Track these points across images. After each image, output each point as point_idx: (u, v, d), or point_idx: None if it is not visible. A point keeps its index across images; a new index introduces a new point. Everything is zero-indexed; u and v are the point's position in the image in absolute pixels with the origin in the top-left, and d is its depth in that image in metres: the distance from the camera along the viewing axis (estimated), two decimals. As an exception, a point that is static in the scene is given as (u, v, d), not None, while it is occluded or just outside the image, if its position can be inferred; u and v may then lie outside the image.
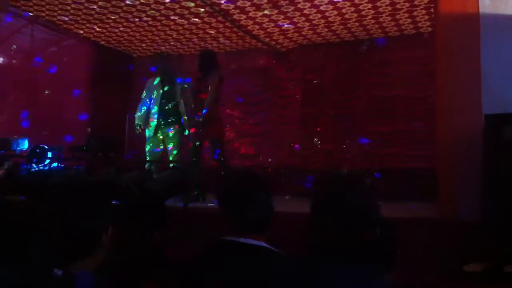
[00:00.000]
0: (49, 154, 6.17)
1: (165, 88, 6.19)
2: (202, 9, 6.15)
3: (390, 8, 5.97)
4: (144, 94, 6.37)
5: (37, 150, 6.11)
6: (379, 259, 2.09)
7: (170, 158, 6.13)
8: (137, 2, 5.94)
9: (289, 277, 1.76)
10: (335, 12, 6.13)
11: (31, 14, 6.45)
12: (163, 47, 7.99)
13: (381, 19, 6.38)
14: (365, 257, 1.75)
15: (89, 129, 7.74)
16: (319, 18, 6.36)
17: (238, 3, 5.89)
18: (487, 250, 3.66)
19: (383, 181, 6.50)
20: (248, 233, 2.03)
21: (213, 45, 7.67)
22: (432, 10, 5.77)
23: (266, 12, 6.12)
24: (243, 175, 2.21)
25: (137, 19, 6.57)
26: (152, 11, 6.26)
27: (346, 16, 6.24)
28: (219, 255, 2.02)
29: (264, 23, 6.58)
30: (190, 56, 8.23)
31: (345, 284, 1.70)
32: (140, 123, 6.25)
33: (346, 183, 1.91)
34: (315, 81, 7.59)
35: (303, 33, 6.99)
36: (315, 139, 7.44)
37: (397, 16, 6.26)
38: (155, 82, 6.30)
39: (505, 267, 3.47)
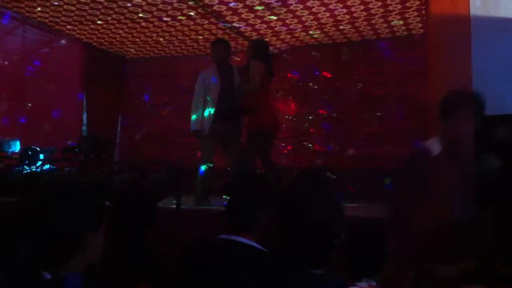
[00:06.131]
0: (41, 156, 6.16)
1: (223, 82, 5.52)
2: (193, 12, 6.16)
3: (382, 10, 6.00)
4: (198, 92, 5.59)
5: (29, 152, 6.09)
6: (350, 264, 2.10)
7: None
8: (129, 4, 5.93)
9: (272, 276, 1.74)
10: (328, 14, 6.15)
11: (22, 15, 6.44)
12: (155, 49, 7.99)
13: (373, 21, 6.41)
14: (323, 261, 1.69)
15: (82, 130, 7.74)
16: (311, 20, 6.38)
17: (231, 5, 5.90)
18: (479, 249, 3.67)
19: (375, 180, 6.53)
20: (238, 231, 2.08)
21: (206, 46, 7.67)
22: (423, 12, 5.80)
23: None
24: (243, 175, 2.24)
25: (129, 21, 6.56)
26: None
27: (339, 18, 6.27)
28: (211, 252, 2.06)
29: (257, 24, 6.60)
30: (183, 57, 8.24)
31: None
32: (199, 129, 5.49)
33: (304, 183, 1.83)
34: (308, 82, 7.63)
35: (295, 34, 7.01)
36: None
37: (389, 18, 6.29)
38: (211, 76, 5.54)
39: (497, 267, 3.49)
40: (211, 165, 5.52)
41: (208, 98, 5.53)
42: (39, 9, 6.17)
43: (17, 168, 5.81)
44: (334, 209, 1.72)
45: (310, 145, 7.48)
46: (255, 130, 5.39)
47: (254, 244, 2.06)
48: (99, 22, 6.63)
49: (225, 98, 5.50)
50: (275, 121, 5.64)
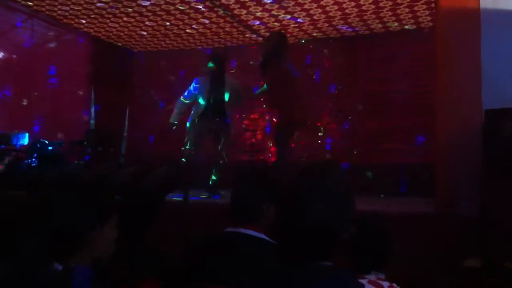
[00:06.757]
0: (50, 149, 6.19)
1: (214, 82, 5.93)
2: (201, 5, 6.15)
3: (391, 3, 5.96)
4: (187, 95, 6.10)
5: (38, 145, 6.12)
6: (357, 258, 2.08)
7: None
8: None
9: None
10: (336, 7, 6.10)
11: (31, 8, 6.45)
12: (163, 42, 7.98)
13: (381, 14, 6.36)
14: (328, 255, 1.63)
15: (89, 124, 7.77)
16: (319, 13, 6.34)
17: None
18: (486, 245, 3.66)
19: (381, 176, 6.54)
20: (245, 223, 2.09)
21: (214, 40, 7.66)
22: (433, 5, 5.76)
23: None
24: (246, 168, 2.25)
25: (137, 14, 6.55)
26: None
27: (347, 11, 6.22)
28: (218, 245, 2.07)
29: (264, 18, 6.57)
30: (189, 50, 8.23)
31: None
32: (176, 122, 6.07)
33: (312, 174, 1.77)
34: (314, 76, 7.61)
35: (303, 28, 6.98)
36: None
37: (398, 11, 6.24)
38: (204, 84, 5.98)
39: (505, 263, 3.48)
40: (192, 147, 5.93)
41: (201, 100, 5.92)
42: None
43: (26, 161, 5.84)
44: (340, 205, 1.65)
45: (321, 132, 7.46)
46: (279, 123, 5.89)
47: (263, 236, 2.06)
48: (107, 15, 6.62)
49: (214, 100, 5.89)
50: (297, 115, 5.72)
